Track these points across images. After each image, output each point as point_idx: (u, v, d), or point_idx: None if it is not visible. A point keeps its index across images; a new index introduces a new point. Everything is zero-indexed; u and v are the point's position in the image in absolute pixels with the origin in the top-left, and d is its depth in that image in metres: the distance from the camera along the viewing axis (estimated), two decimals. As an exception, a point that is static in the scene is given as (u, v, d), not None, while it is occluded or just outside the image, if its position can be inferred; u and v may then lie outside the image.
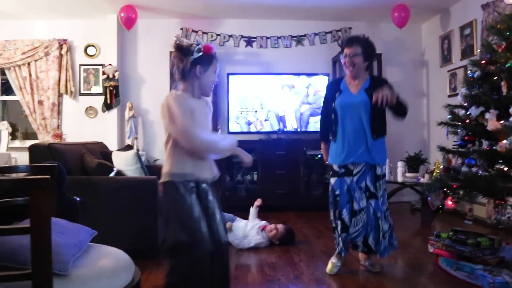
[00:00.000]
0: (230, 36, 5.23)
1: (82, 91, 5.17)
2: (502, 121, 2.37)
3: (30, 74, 5.01)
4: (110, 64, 4.97)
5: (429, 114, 5.39)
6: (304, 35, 5.30)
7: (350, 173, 2.54)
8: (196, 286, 1.58)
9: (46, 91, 5.03)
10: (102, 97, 5.04)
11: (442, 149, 2.85)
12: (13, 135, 5.27)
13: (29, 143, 3.92)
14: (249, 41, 5.27)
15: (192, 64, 1.62)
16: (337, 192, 2.55)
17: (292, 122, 4.99)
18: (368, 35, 5.38)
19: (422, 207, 4.30)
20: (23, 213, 1.56)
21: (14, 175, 2.40)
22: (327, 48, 5.27)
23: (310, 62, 5.25)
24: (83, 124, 5.12)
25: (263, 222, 3.40)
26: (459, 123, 2.74)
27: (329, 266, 2.62)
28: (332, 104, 2.63)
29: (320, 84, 4.98)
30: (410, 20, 4.82)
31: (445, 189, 2.74)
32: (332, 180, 2.60)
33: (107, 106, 5.01)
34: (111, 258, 1.53)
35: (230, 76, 4.96)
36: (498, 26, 2.56)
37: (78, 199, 2.10)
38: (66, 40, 5.09)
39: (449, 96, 4.74)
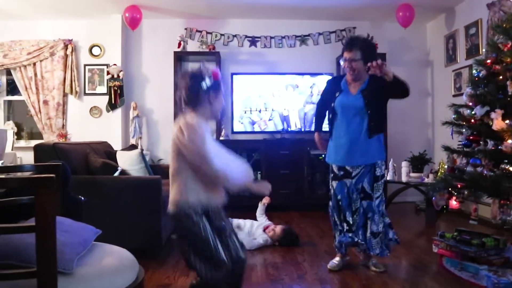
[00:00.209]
0: (234, 36, 5.23)
1: (87, 91, 5.20)
2: (507, 121, 2.36)
3: (35, 74, 5.04)
4: (114, 64, 5.00)
5: (434, 113, 5.37)
6: (308, 35, 5.29)
7: (349, 175, 2.58)
8: None
9: (51, 91, 5.06)
10: (107, 97, 5.06)
11: (447, 149, 2.84)
12: (19, 135, 5.31)
13: (34, 142, 3.95)
14: (253, 40, 5.27)
15: (206, 90, 1.64)
16: (339, 197, 2.61)
17: (296, 121, 4.98)
18: (373, 34, 5.37)
19: (426, 207, 4.28)
20: (28, 212, 1.57)
21: (19, 174, 2.42)
22: (331, 48, 5.26)
23: (314, 61, 5.24)
24: (87, 123, 5.15)
25: (268, 222, 3.42)
26: (464, 123, 2.73)
27: (331, 263, 2.67)
28: (331, 100, 2.66)
29: (324, 84, 4.95)
30: (415, 19, 4.80)
31: (450, 189, 2.72)
32: (334, 184, 2.65)
33: (112, 106, 5.04)
34: (115, 257, 1.54)
35: (234, 76, 4.97)
36: (504, 25, 2.55)
37: (82, 198, 2.11)
38: (71, 40, 5.12)
39: (454, 95, 4.71)
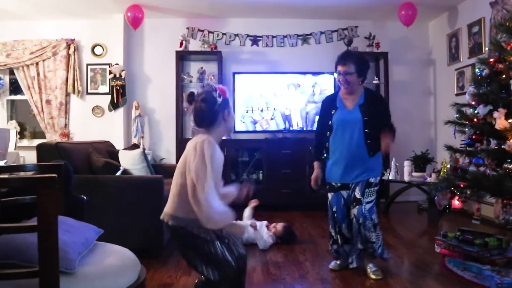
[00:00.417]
0: (236, 35, 5.23)
1: (89, 91, 5.22)
2: (510, 120, 2.34)
3: (38, 74, 5.06)
4: (117, 64, 5.00)
5: (436, 113, 5.35)
6: (310, 34, 5.28)
7: (347, 187, 2.59)
8: None
9: (53, 91, 5.07)
10: (109, 97, 5.07)
11: (449, 148, 2.82)
12: (21, 134, 5.33)
13: (37, 142, 3.97)
14: (255, 40, 5.26)
15: (219, 110, 1.67)
16: (335, 209, 2.61)
17: (298, 121, 4.98)
18: (375, 33, 5.35)
19: (429, 207, 4.27)
20: (30, 211, 1.57)
21: (22, 174, 2.43)
22: (333, 47, 5.24)
23: (316, 61, 5.23)
24: (90, 123, 5.16)
25: (265, 222, 3.42)
26: (467, 122, 2.72)
27: (333, 263, 2.68)
28: (328, 121, 2.64)
29: (326, 83, 4.96)
30: (417, 18, 4.78)
31: (452, 188, 2.71)
32: (329, 196, 2.66)
33: (114, 105, 5.04)
34: (117, 257, 1.54)
35: (236, 75, 4.97)
36: (507, 23, 2.53)
37: (84, 197, 2.11)
38: (73, 40, 5.13)
39: (457, 94, 4.69)
